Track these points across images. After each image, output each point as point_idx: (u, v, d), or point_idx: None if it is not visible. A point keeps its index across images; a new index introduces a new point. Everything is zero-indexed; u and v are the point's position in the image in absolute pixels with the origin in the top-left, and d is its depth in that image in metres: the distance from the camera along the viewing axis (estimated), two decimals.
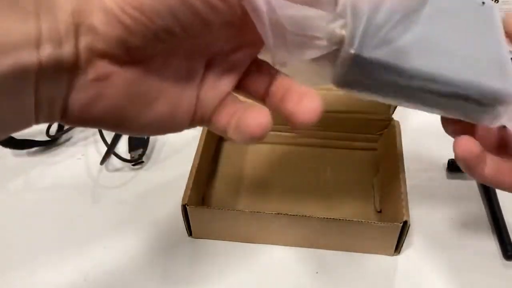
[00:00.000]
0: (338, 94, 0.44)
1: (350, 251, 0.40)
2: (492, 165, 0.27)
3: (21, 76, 0.18)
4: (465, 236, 0.41)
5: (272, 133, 0.48)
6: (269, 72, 0.24)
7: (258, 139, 0.22)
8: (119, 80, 0.20)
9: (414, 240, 0.41)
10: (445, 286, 0.38)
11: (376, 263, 0.39)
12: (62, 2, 0.18)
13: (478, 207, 0.43)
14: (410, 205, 0.37)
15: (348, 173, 0.46)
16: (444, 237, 0.41)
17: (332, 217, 0.37)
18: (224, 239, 0.41)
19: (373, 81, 0.23)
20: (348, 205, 0.44)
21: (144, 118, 0.22)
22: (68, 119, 0.21)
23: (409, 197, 0.38)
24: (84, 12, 0.19)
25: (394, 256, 0.40)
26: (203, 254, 0.41)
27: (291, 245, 0.41)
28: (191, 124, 0.24)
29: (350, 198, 0.44)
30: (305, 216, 0.37)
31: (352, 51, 0.21)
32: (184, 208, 0.38)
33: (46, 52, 0.18)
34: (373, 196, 0.44)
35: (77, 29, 0.19)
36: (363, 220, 0.37)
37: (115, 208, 0.44)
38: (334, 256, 0.40)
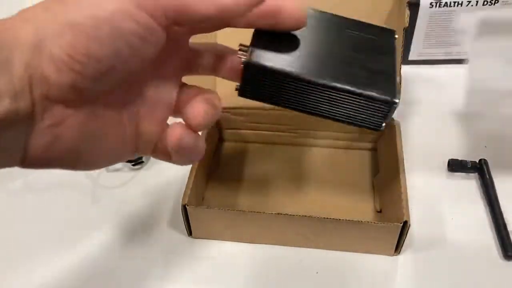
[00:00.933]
0: None
1: (350, 251, 0.40)
2: None
3: None
4: (465, 236, 0.41)
5: (272, 133, 0.48)
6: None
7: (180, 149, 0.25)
8: (73, 122, 0.22)
9: (414, 240, 0.41)
10: (445, 286, 0.38)
11: (376, 263, 0.39)
12: (16, 58, 0.20)
13: (478, 207, 0.43)
14: (410, 205, 0.37)
15: (348, 173, 0.46)
16: (444, 237, 0.41)
17: (332, 217, 0.37)
18: (224, 239, 0.41)
19: (266, 86, 0.27)
20: (348, 205, 0.44)
21: (97, 153, 0.24)
22: (28, 163, 0.22)
23: (409, 197, 0.37)
24: (36, 64, 0.20)
25: (394, 256, 0.40)
26: (203, 254, 0.41)
27: (291, 245, 0.41)
28: (137, 151, 0.26)
29: (350, 198, 0.44)
30: (305, 216, 0.37)
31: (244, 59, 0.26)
32: (184, 208, 0.38)
33: (4, 106, 0.19)
34: (373, 196, 0.44)
35: (31, 81, 0.20)
36: (363, 220, 0.37)
37: (115, 208, 0.44)
38: (334, 256, 0.40)
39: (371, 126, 0.27)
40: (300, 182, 0.46)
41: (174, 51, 0.26)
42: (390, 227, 0.36)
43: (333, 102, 0.27)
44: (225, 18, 0.23)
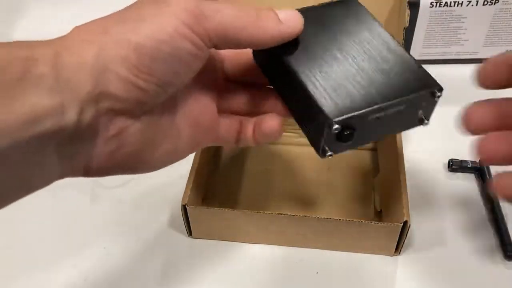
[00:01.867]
0: None
1: (350, 251, 0.40)
2: None
3: (45, 141, 0.21)
4: (465, 236, 0.41)
5: None
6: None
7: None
8: (134, 130, 0.24)
9: (414, 240, 0.41)
10: (445, 286, 0.38)
11: (377, 263, 0.39)
12: (81, 79, 0.21)
13: (478, 207, 0.43)
14: (410, 205, 0.37)
15: (348, 173, 0.46)
16: (444, 237, 0.41)
17: (332, 217, 0.37)
18: (224, 239, 0.41)
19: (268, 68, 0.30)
20: (348, 205, 0.44)
21: (156, 156, 0.27)
22: (92, 171, 0.24)
23: (409, 197, 0.37)
24: (103, 83, 0.22)
25: (395, 257, 0.40)
26: (203, 254, 0.41)
27: (291, 245, 0.41)
28: (192, 150, 0.29)
29: (350, 198, 0.44)
30: (305, 216, 0.37)
31: None
32: (184, 208, 0.38)
33: (71, 118, 0.21)
34: (373, 196, 0.44)
35: (97, 96, 0.22)
36: (363, 220, 0.37)
37: (115, 208, 0.44)
38: (334, 256, 0.40)
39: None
40: (300, 182, 0.46)
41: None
42: (390, 227, 0.36)
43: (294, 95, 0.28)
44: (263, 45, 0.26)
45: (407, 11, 0.40)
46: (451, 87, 0.54)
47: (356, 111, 0.24)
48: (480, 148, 0.25)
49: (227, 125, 0.31)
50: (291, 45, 0.27)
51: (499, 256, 0.39)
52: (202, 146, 0.30)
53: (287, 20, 0.26)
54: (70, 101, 0.21)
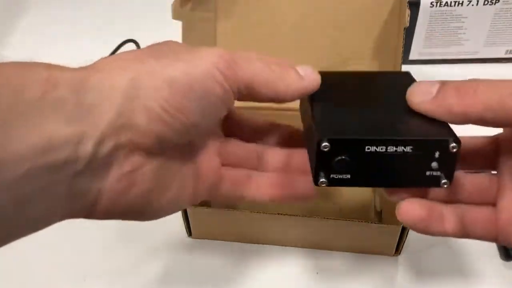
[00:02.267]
0: None
1: (351, 252, 0.40)
2: (455, 219, 0.25)
3: (55, 173, 0.19)
4: None
5: None
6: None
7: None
8: (148, 168, 0.23)
9: (414, 240, 0.40)
10: (445, 286, 0.38)
11: (377, 263, 0.39)
12: (108, 104, 0.20)
13: None
14: None
15: None
16: (444, 238, 0.41)
17: (332, 218, 0.37)
18: (224, 239, 0.41)
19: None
20: (348, 205, 0.43)
21: (162, 203, 0.25)
22: (96, 212, 0.22)
23: None
24: (128, 112, 0.21)
25: (395, 257, 0.40)
26: (203, 254, 0.41)
27: (291, 246, 0.41)
28: (192, 202, 0.28)
29: (350, 198, 0.44)
30: (305, 216, 0.37)
31: None
32: (184, 208, 0.38)
33: (87, 150, 0.20)
34: (373, 196, 0.44)
35: (119, 127, 0.21)
36: (363, 221, 0.37)
37: None
38: (334, 256, 0.40)
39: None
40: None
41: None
42: (391, 227, 0.36)
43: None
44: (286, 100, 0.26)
45: (408, 11, 0.40)
46: None
47: (350, 136, 0.24)
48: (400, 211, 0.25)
49: (231, 180, 0.29)
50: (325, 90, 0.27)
51: (499, 256, 0.39)
52: (202, 199, 0.28)
53: (307, 76, 0.26)
54: (90, 130, 0.20)
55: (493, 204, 0.25)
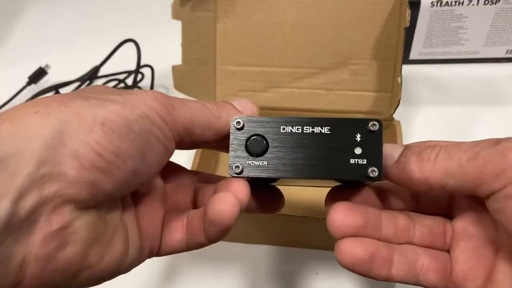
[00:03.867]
0: (338, 94, 0.44)
1: None
2: (404, 262, 0.23)
3: None
4: None
5: None
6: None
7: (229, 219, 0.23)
8: (81, 225, 0.20)
9: None
10: None
11: None
12: (22, 157, 0.17)
13: None
14: None
15: None
16: None
17: None
18: (224, 239, 0.41)
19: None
20: None
21: (104, 261, 0.21)
22: (24, 282, 0.19)
23: None
24: (52, 160, 0.18)
25: None
26: (202, 254, 0.41)
27: (291, 246, 0.41)
28: (139, 259, 0.24)
29: None
30: (305, 216, 0.37)
31: None
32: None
33: (3, 209, 0.17)
34: None
35: (42, 178, 0.18)
36: None
37: None
38: (334, 256, 0.40)
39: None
40: (301, 183, 0.45)
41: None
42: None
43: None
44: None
45: (408, 11, 0.39)
46: (451, 86, 0.54)
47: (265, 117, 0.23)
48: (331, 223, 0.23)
49: (172, 230, 0.25)
50: None
51: None
52: (148, 257, 0.25)
53: (243, 108, 0.25)
54: (3, 187, 0.17)
55: (447, 250, 0.24)
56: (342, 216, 0.23)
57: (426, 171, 0.21)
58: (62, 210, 0.19)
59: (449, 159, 0.21)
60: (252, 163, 0.23)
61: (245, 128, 0.23)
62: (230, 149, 0.23)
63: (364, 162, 0.22)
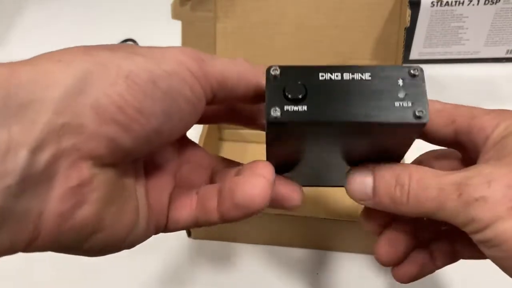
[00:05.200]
0: None
1: (351, 252, 0.40)
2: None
3: None
4: None
5: None
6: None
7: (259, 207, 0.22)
8: (100, 183, 0.19)
9: None
10: (445, 286, 0.38)
11: (377, 264, 0.39)
12: (41, 105, 0.16)
13: None
14: None
15: None
16: None
17: (332, 218, 0.37)
18: (224, 239, 0.41)
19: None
20: (349, 205, 0.43)
21: (117, 226, 0.20)
22: (35, 243, 0.18)
23: None
24: (71, 110, 0.17)
25: None
26: (202, 254, 0.40)
27: (291, 246, 0.41)
28: (146, 234, 0.23)
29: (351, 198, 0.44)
30: (305, 216, 0.37)
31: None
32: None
33: (19, 161, 0.16)
34: None
35: (60, 129, 0.17)
36: None
37: None
38: (334, 257, 0.40)
39: None
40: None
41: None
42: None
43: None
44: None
45: (408, 11, 0.39)
46: (452, 86, 0.54)
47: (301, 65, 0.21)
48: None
49: (180, 206, 0.24)
50: None
51: None
52: (154, 232, 0.24)
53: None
54: (20, 136, 0.16)
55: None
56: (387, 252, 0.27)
57: (403, 212, 0.23)
58: (81, 166, 0.18)
59: (420, 206, 0.22)
60: (291, 108, 0.21)
61: (282, 75, 0.21)
62: (267, 97, 0.21)
63: (409, 105, 0.21)
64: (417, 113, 0.21)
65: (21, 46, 0.62)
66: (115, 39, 0.56)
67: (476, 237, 0.20)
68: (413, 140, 0.23)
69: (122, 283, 0.39)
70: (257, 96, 0.23)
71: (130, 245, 0.23)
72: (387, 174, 0.23)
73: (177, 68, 0.20)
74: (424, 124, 0.21)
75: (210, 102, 0.22)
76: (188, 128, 0.22)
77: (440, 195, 0.21)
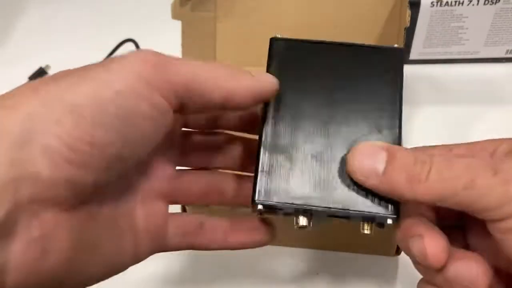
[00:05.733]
0: None
1: (351, 252, 0.40)
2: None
3: None
4: None
5: None
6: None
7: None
8: (65, 229, 0.18)
9: None
10: None
11: (377, 264, 0.39)
12: None
13: None
14: None
15: None
16: None
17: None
18: None
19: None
20: None
21: (94, 265, 0.20)
22: None
23: None
24: (24, 159, 0.16)
25: (395, 257, 0.40)
26: (202, 255, 0.40)
27: (291, 246, 0.40)
28: (135, 259, 0.23)
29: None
30: None
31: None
32: (183, 209, 0.38)
33: None
34: None
35: (16, 181, 0.16)
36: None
37: None
38: (335, 257, 0.40)
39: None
40: None
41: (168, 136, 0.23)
42: (391, 227, 0.36)
43: None
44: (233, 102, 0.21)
45: (408, 11, 0.39)
46: (452, 86, 0.54)
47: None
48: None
49: (179, 232, 0.24)
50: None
51: None
52: (146, 256, 0.23)
53: (261, 77, 0.22)
54: None
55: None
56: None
57: (417, 194, 0.20)
58: (43, 216, 0.17)
59: (442, 183, 0.19)
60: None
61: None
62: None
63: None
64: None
65: (21, 46, 0.62)
66: (115, 39, 0.56)
67: (497, 225, 0.19)
68: None
69: (122, 283, 0.39)
70: (236, 102, 0.21)
71: (117, 272, 0.22)
72: (405, 151, 0.21)
73: (131, 83, 0.18)
74: None
75: (180, 110, 0.20)
76: (155, 143, 0.21)
77: (468, 173, 0.19)
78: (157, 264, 0.40)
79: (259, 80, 0.22)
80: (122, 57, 0.19)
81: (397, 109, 0.25)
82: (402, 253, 0.39)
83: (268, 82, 0.22)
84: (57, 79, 0.18)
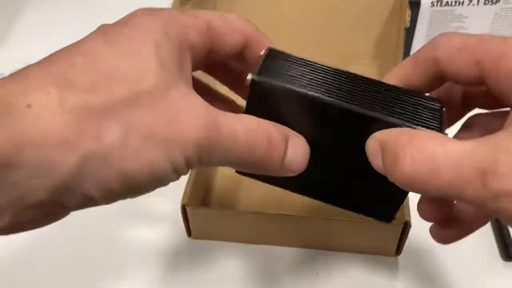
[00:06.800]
0: None
1: (351, 252, 0.40)
2: None
3: None
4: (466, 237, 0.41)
5: None
6: None
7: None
8: None
9: (415, 241, 0.40)
10: (445, 287, 0.38)
11: (377, 264, 0.39)
12: (37, 189, 0.17)
13: None
14: (411, 206, 0.37)
15: None
16: None
17: (332, 218, 0.37)
18: (224, 239, 0.41)
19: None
20: None
21: None
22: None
23: (409, 197, 0.37)
24: (62, 196, 0.19)
25: (395, 257, 0.40)
26: (202, 254, 0.40)
27: (291, 246, 0.41)
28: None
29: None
30: (305, 216, 0.37)
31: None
32: (183, 209, 0.38)
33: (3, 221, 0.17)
34: None
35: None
36: (363, 221, 0.37)
37: (114, 208, 0.44)
38: (334, 257, 0.40)
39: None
40: None
41: None
42: (391, 227, 0.36)
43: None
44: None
45: (408, 11, 0.39)
46: None
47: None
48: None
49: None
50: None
51: (499, 257, 0.39)
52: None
53: (292, 161, 0.23)
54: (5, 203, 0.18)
55: None
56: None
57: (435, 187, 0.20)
58: None
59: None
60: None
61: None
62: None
63: None
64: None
65: (21, 46, 0.62)
66: None
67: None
68: None
69: (122, 283, 0.39)
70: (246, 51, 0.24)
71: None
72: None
73: (180, 162, 0.19)
74: None
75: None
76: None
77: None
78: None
79: (288, 167, 0.23)
80: (185, 118, 0.19)
81: None
82: (402, 253, 0.39)
83: (296, 170, 0.24)
84: (132, 105, 0.19)
